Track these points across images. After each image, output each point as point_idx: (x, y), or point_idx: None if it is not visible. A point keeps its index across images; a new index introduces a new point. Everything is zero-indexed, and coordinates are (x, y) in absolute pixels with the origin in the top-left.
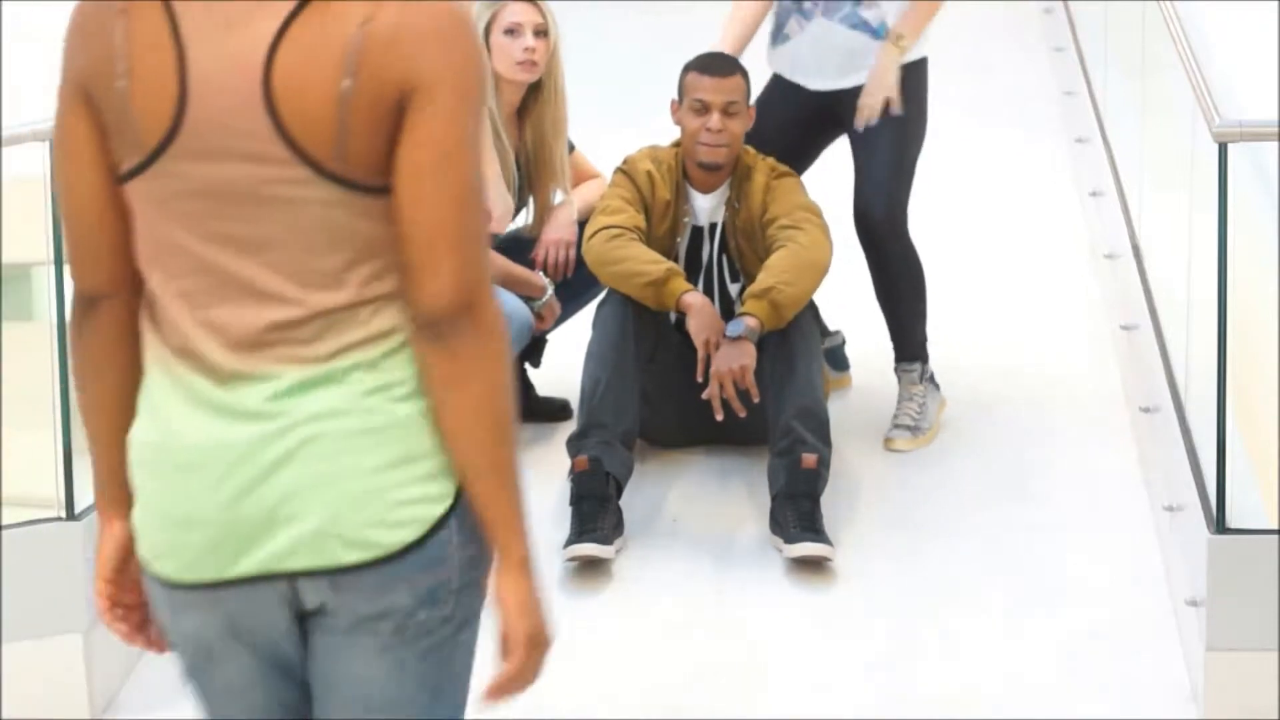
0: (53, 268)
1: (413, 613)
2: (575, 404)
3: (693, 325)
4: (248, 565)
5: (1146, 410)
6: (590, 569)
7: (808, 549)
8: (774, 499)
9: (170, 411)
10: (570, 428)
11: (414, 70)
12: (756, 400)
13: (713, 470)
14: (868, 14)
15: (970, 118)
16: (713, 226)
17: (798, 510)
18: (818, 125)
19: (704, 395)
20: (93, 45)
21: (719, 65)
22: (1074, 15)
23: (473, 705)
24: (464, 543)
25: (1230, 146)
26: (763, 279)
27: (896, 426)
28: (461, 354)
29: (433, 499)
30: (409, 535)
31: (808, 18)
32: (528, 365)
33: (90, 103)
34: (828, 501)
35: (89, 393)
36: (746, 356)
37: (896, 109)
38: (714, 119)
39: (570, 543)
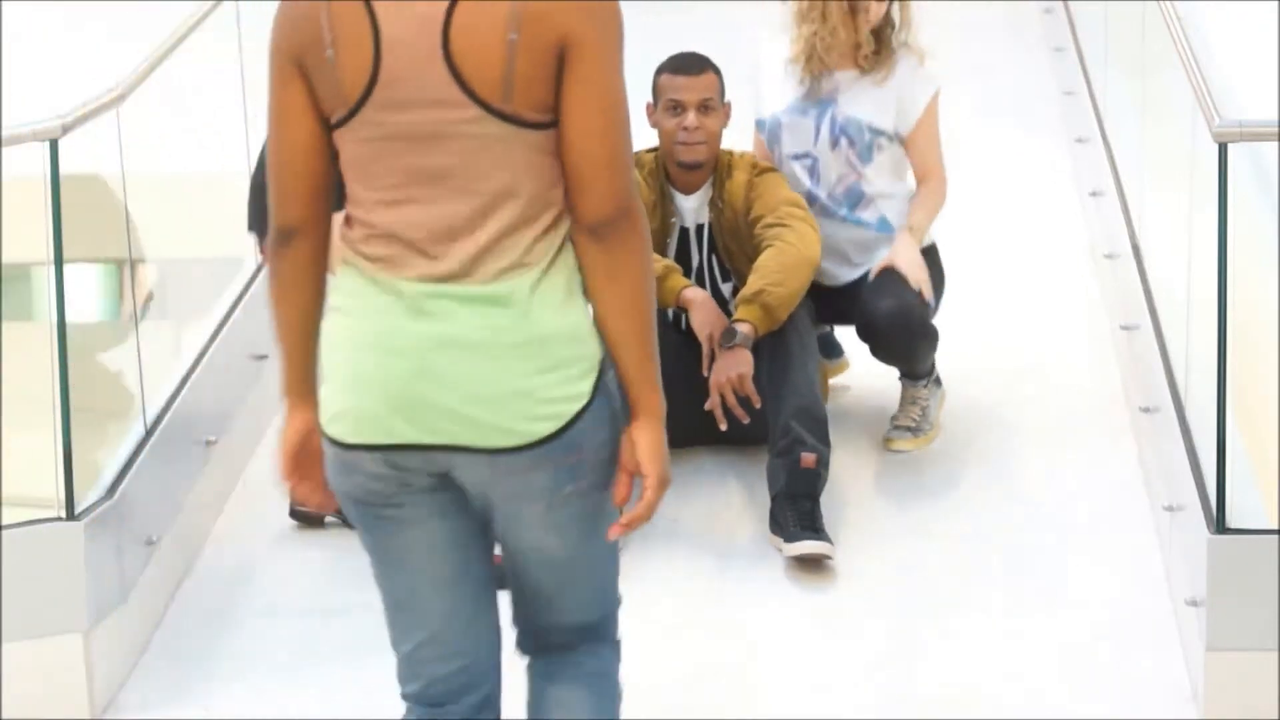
0: (53, 268)
1: (556, 487)
2: None
3: (695, 320)
4: (412, 435)
5: (1146, 410)
6: None
7: (808, 548)
8: (774, 499)
9: (366, 305)
10: None
11: (569, 28)
12: (758, 406)
13: (713, 470)
14: (864, 214)
15: (970, 118)
16: (700, 228)
17: (798, 510)
18: (829, 318)
19: (706, 406)
20: (303, 27)
21: (691, 64)
22: (1074, 15)
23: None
24: (596, 429)
25: (1230, 146)
26: (752, 282)
27: (896, 428)
28: (617, 251)
29: (571, 398)
30: (551, 427)
31: None
32: None
33: (303, 72)
34: (828, 501)
35: (281, 309)
36: (744, 364)
37: (928, 294)
38: (690, 117)
39: None
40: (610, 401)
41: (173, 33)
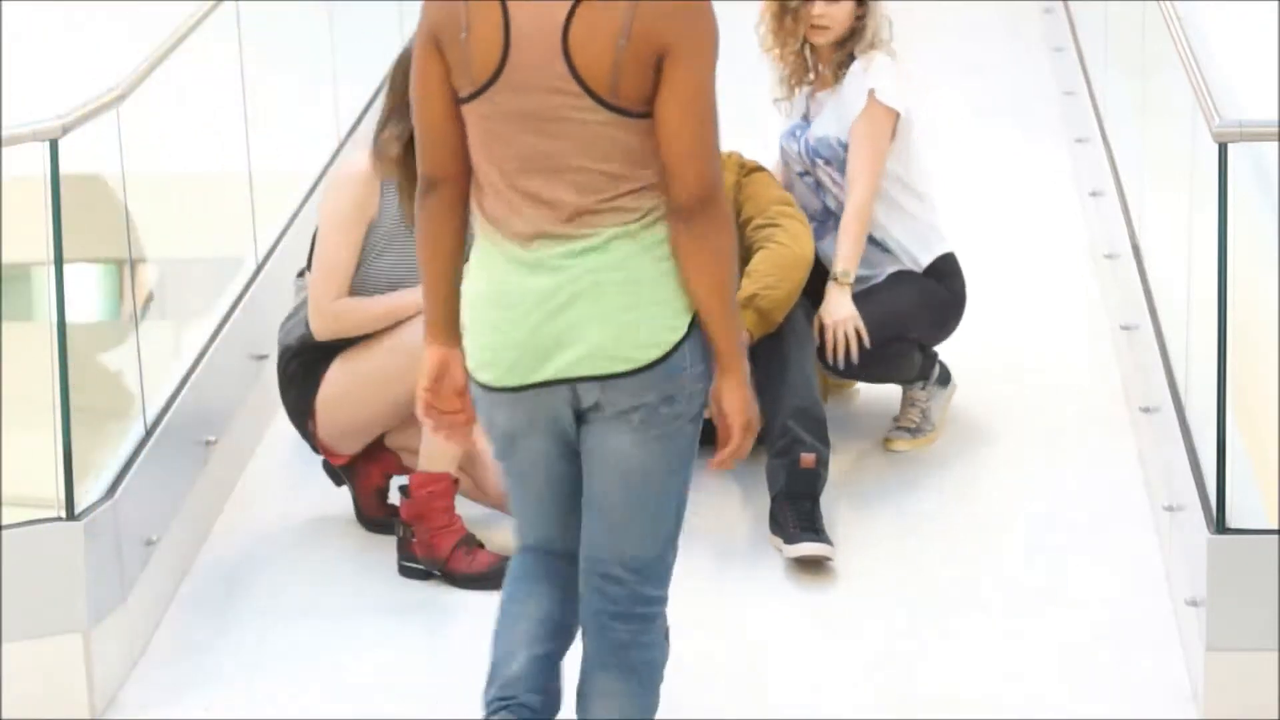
0: (53, 268)
1: (656, 408)
2: None
3: None
4: (543, 374)
5: (1146, 410)
6: None
7: (808, 549)
8: (773, 499)
9: (492, 266)
10: None
11: (669, 40)
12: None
13: (712, 471)
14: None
15: (970, 117)
16: None
17: (797, 510)
18: None
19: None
20: (444, 10)
21: None
22: (1074, 15)
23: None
24: (694, 362)
25: (1230, 146)
26: (746, 286)
27: (897, 428)
28: (701, 231)
29: (672, 329)
30: (656, 354)
31: None
32: None
33: (440, 49)
34: (827, 501)
35: (427, 252)
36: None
37: (865, 339)
38: None
39: None
40: (704, 346)
41: (173, 33)
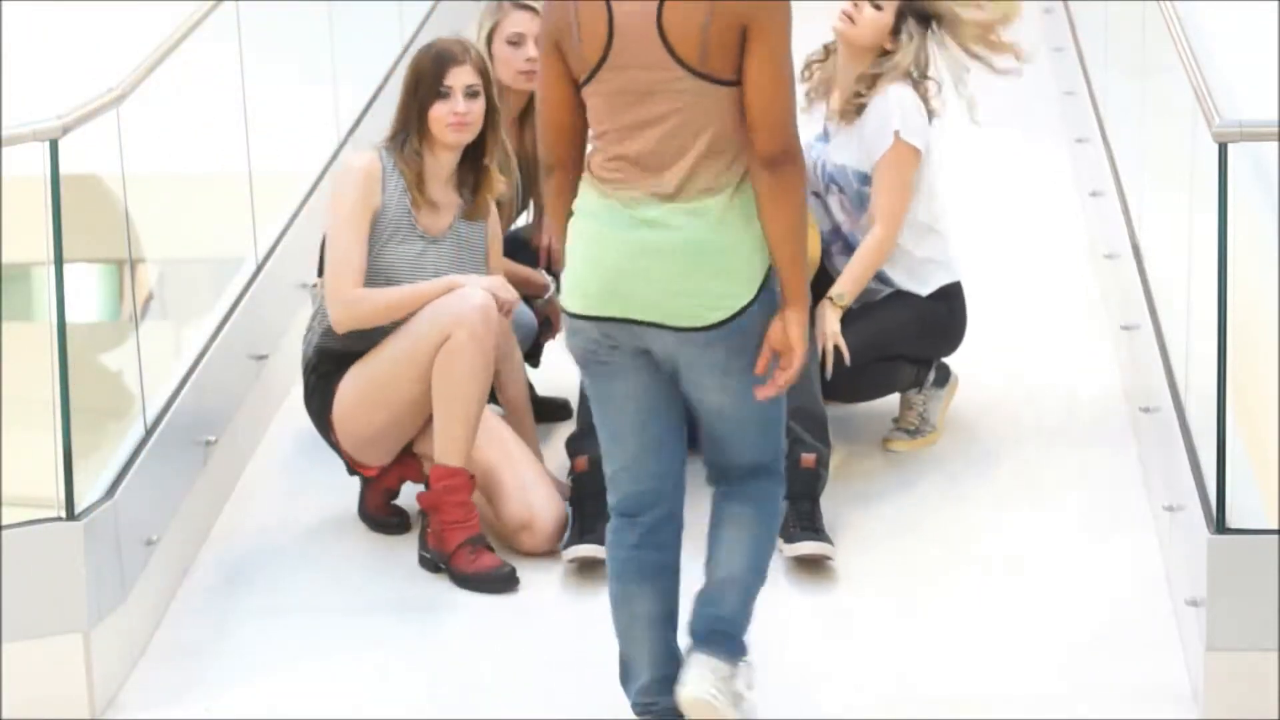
0: (53, 268)
1: (726, 361)
2: (575, 404)
3: None
4: (618, 311)
5: (1146, 410)
6: (591, 569)
7: (808, 548)
8: None
9: (594, 212)
10: (570, 428)
11: (748, 18)
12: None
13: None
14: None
15: (970, 118)
16: None
17: (797, 510)
18: None
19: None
20: (559, 12)
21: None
22: (1074, 15)
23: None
24: (762, 321)
25: (1230, 146)
26: None
27: (896, 429)
28: (782, 179)
29: (739, 295)
30: (721, 316)
31: None
32: (527, 366)
33: (560, 47)
34: (828, 501)
35: (550, 219)
36: None
37: (846, 356)
38: None
39: (570, 544)
40: (773, 301)
41: (173, 33)
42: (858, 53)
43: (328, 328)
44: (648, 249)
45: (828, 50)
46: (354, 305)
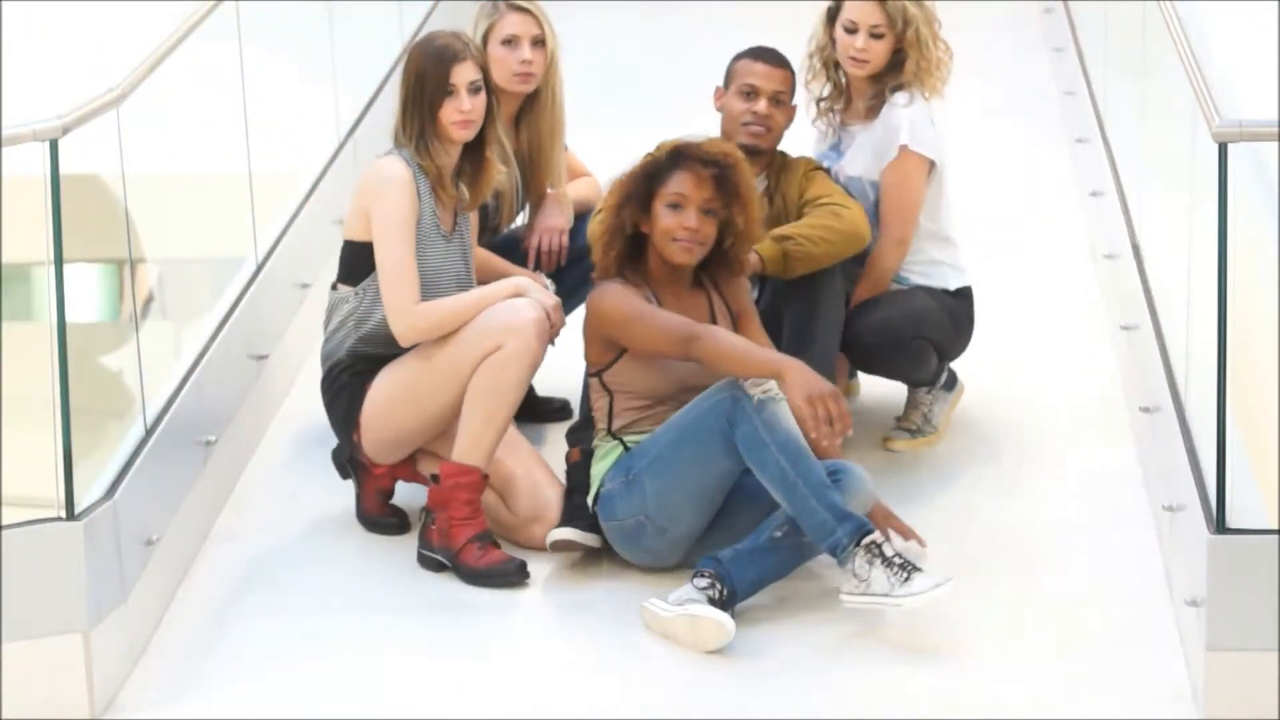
0: (53, 268)
1: None
2: (575, 404)
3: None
4: None
5: (1146, 410)
6: (590, 569)
7: None
8: None
9: None
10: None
11: None
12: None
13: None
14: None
15: (970, 118)
16: None
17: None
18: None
19: None
20: None
21: (772, 55)
22: (1074, 15)
23: None
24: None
25: (1230, 146)
26: (789, 227)
27: (898, 428)
28: None
29: None
30: None
31: None
32: None
33: None
34: None
35: None
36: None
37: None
38: (761, 104)
39: (556, 527)
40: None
41: (173, 33)
42: (870, 77)
43: (366, 333)
44: None
45: (835, 85)
46: (422, 318)
